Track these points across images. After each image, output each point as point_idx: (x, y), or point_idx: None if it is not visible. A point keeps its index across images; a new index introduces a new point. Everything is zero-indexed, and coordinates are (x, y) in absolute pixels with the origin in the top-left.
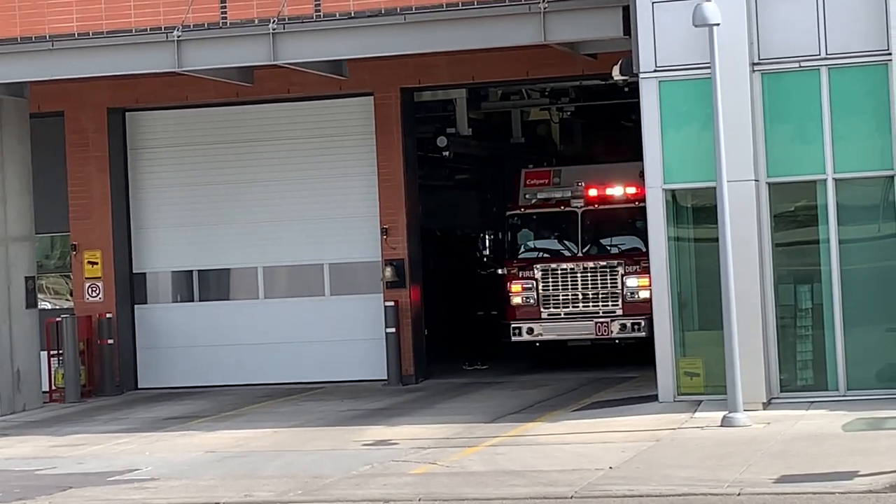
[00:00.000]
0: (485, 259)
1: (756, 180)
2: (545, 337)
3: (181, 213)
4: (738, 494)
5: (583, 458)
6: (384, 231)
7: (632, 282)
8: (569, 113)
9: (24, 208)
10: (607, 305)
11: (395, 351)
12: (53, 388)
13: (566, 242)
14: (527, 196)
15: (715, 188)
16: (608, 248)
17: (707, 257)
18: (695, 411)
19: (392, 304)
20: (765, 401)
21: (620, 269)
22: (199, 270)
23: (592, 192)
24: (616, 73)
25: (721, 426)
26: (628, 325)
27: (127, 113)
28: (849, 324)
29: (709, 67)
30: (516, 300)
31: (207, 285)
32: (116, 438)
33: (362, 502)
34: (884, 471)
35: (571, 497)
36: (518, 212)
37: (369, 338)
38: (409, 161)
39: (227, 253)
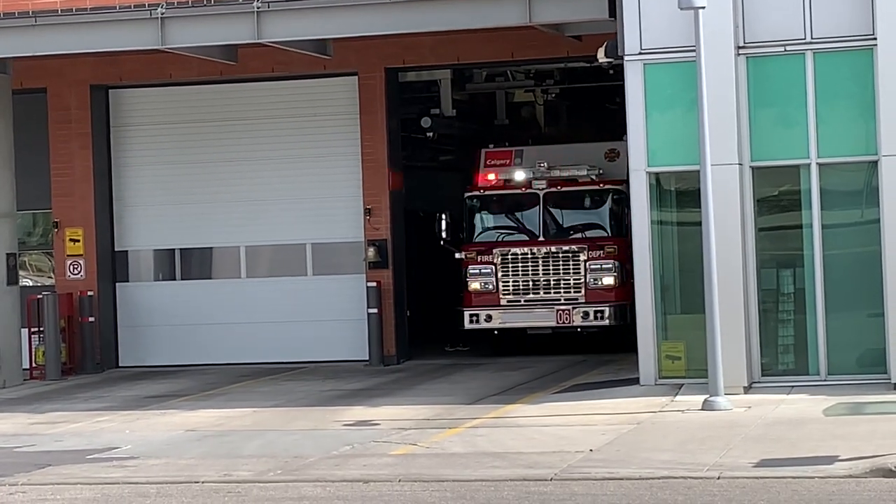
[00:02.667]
0: (442, 242)
1: (740, 164)
2: (504, 325)
3: (164, 191)
4: (718, 478)
5: (563, 440)
6: (367, 211)
7: (595, 268)
8: (553, 95)
9: (5, 185)
10: (569, 292)
11: (377, 331)
12: (34, 365)
13: (527, 226)
14: (487, 177)
15: (699, 172)
16: (571, 232)
17: (690, 241)
18: (676, 395)
19: (374, 284)
20: (746, 385)
21: (583, 255)
22: (181, 249)
23: (555, 174)
24: (601, 56)
25: (702, 410)
26: (591, 313)
27: (110, 90)
28: (830, 309)
29: (694, 51)
30: (474, 286)
31: (189, 264)
32: (96, 416)
33: (342, 482)
34: (863, 455)
35: (551, 479)
36: (477, 193)
37: (351, 318)
38: (392, 141)
39: (210, 232)
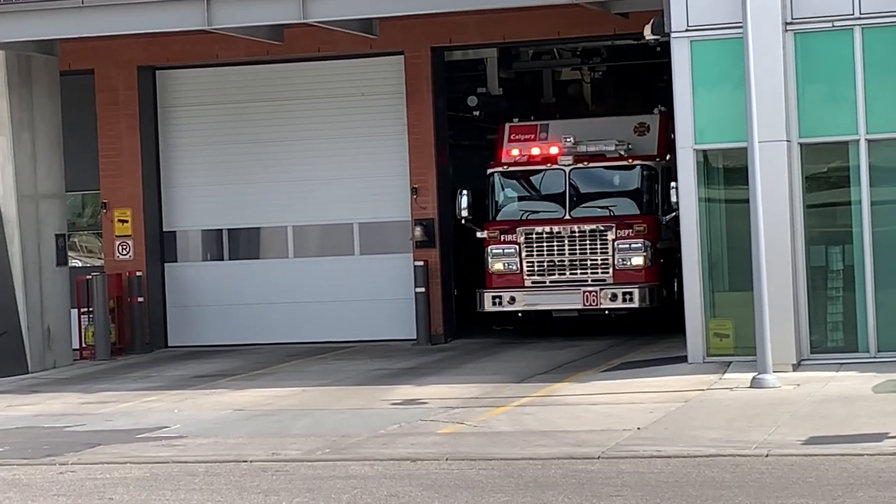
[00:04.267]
0: (463, 221)
1: (788, 141)
2: (528, 307)
3: (211, 171)
4: (767, 456)
5: (611, 418)
6: (414, 191)
7: (624, 248)
8: (600, 73)
9: (54, 166)
10: (596, 273)
11: (425, 310)
12: (84, 345)
13: (553, 204)
14: (511, 152)
15: (746, 149)
16: (598, 210)
17: (738, 218)
18: (724, 372)
19: (421, 263)
20: (795, 362)
21: (611, 234)
22: (228, 229)
23: (582, 149)
24: (647, 33)
25: (750, 387)
26: (619, 294)
27: (157, 71)
28: (880, 285)
29: (741, 27)
30: (497, 266)
31: (237, 244)
32: (145, 396)
33: (390, 461)
34: None
35: (599, 457)
36: (500, 169)
37: (399, 297)
38: (439, 120)
39: (257, 212)
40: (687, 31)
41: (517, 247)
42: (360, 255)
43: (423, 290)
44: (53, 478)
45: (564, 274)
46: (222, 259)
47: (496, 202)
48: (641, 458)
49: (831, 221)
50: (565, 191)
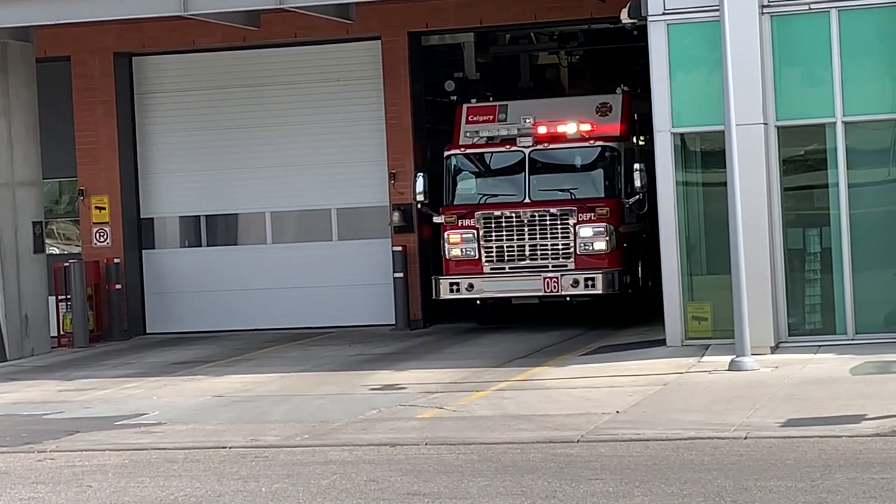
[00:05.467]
0: (419, 205)
1: (765, 124)
2: (487, 294)
3: (188, 157)
4: (745, 438)
5: (590, 402)
6: (392, 176)
7: (585, 232)
8: (577, 57)
9: (30, 153)
10: (558, 259)
11: (403, 296)
12: (62, 333)
13: (512, 187)
14: (468, 134)
15: (723, 132)
16: (559, 193)
17: (715, 201)
18: (702, 355)
19: (400, 248)
20: (773, 345)
21: (572, 218)
22: (206, 215)
23: (542, 130)
24: (624, 17)
25: (729, 370)
26: (581, 280)
27: (134, 57)
28: (857, 268)
29: (717, 10)
30: (455, 252)
31: (215, 230)
32: (124, 383)
33: (369, 447)
34: (891, 414)
35: (578, 441)
36: (457, 152)
37: (377, 283)
38: (416, 105)
39: (235, 198)
40: (664, 14)
41: (475, 231)
42: (338, 241)
43: (401, 275)
44: (32, 465)
45: (524, 259)
46: (200, 245)
47: (453, 185)
48: (620, 441)
49: (809, 204)
50: (525, 173)
